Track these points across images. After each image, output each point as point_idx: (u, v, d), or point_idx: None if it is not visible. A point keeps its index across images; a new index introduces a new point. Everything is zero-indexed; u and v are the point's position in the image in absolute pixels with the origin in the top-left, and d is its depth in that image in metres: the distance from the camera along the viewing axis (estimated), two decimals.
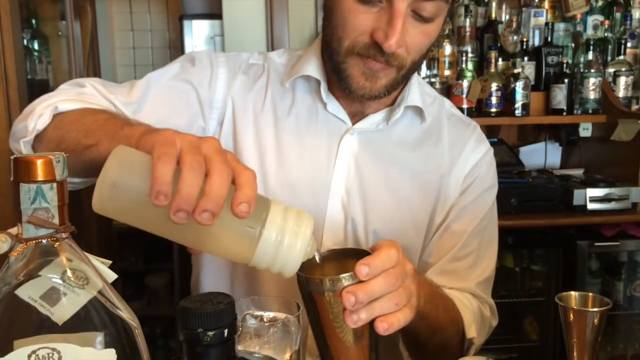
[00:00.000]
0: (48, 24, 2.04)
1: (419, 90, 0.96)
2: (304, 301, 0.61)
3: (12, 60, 1.50)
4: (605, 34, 2.26)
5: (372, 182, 0.93)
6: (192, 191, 0.51)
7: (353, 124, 0.94)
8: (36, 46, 1.91)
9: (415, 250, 0.95)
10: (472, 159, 0.97)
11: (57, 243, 0.45)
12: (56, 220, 0.44)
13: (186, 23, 3.18)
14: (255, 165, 0.91)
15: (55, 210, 0.44)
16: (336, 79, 0.88)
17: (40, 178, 0.43)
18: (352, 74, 0.84)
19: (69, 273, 0.46)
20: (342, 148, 0.92)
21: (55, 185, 0.43)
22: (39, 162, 0.43)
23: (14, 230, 0.47)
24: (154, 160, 0.52)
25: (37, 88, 1.78)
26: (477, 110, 2.12)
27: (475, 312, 0.90)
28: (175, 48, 3.63)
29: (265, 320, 0.59)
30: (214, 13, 3.06)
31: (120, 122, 0.71)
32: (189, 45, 3.22)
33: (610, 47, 2.24)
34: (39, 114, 0.78)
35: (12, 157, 0.44)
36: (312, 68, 0.92)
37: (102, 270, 0.49)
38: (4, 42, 1.48)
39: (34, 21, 1.93)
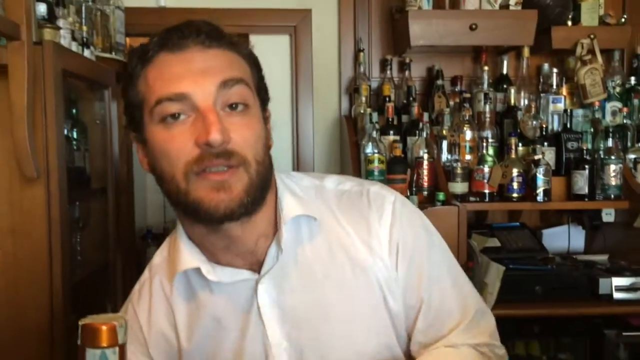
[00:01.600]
0: (87, 112, 2.15)
1: (290, 195, 0.88)
2: None
3: (54, 154, 1.58)
4: (624, 121, 2.30)
5: (308, 317, 0.87)
6: None
7: (259, 273, 0.87)
8: (75, 135, 2.01)
9: (393, 347, 0.89)
10: (383, 233, 0.88)
11: None
12: None
13: None
14: None
15: None
16: (196, 222, 0.83)
17: (104, 344, 0.47)
18: (201, 196, 0.78)
19: None
20: (262, 303, 0.87)
21: (117, 349, 0.47)
22: (104, 329, 0.47)
23: None
24: None
25: (74, 176, 1.85)
26: (499, 195, 2.15)
27: None
28: None
29: None
30: None
31: None
32: None
33: (629, 133, 2.28)
34: None
35: (80, 323, 0.48)
36: (184, 257, 0.87)
37: None
38: (48, 139, 1.56)
39: (74, 111, 2.04)
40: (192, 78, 0.78)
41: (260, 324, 0.88)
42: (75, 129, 2.01)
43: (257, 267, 0.88)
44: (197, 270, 0.87)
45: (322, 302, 0.87)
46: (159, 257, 0.97)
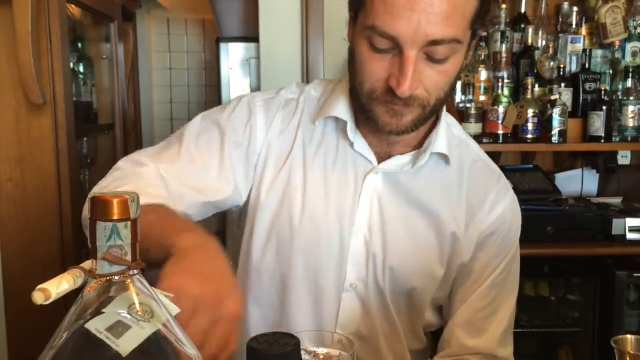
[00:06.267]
0: (93, 47, 2.11)
1: (447, 134, 0.97)
2: None
3: (61, 84, 1.55)
4: None
5: (393, 221, 0.95)
6: None
7: (379, 163, 0.96)
8: (81, 69, 1.97)
9: (427, 291, 0.98)
10: (494, 212, 0.97)
11: (129, 279, 0.46)
12: (129, 257, 0.46)
13: (222, 46, 3.24)
14: (280, 204, 0.95)
15: (129, 248, 0.45)
16: (363, 118, 0.91)
17: (115, 217, 0.44)
18: (377, 113, 0.87)
19: (137, 307, 0.47)
20: (366, 186, 0.95)
21: (129, 224, 0.45)
22: (116, 202, 0.44)
23: (86, 265, 0.49)
24: None
25: (82, 110, 1.83)
26: (513, 137, 2.11)
27: None
28: (211, 69, 3.70)
29: (320, 357, 0.60)
30: (250, 37, 3.13)
31: (167, 229, 0.73)
32: (224, 66, 3.28)
33: None
34: None
35: (90, 196, 0.46)
36: (340, 108, 0.94)
37: (167, 305, 0.51)
38: (54, 67, 1.53)
39: (80, 45, 2.00)
40: (409, 24, 0.78)
41: (356, 201, 0.95)
42: (81, 64, 1.98)
43: (383, 157, 0.96)
44: (341, 123, 0.95)
45: (408, 222, 0.95)
46: (315, 91, 1.01)
